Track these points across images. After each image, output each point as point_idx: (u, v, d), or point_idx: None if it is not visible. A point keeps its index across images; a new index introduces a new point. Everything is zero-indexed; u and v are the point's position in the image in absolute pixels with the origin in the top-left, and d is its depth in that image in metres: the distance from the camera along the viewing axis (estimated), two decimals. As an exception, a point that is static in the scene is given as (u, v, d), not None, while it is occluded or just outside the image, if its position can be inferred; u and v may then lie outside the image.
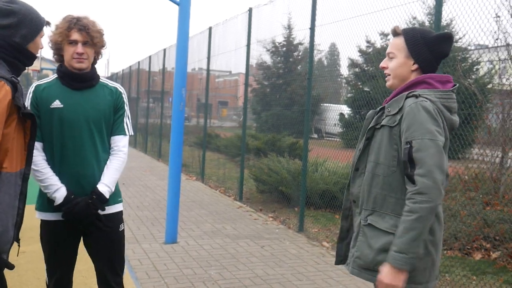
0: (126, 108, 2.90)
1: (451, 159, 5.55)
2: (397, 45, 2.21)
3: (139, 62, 18.22)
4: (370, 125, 2.21)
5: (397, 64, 2.20)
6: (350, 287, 4.58)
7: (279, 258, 5.35)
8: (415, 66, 2.17)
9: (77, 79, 2.73)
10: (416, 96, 2.07)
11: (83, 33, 2.66)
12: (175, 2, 5.70)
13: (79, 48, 2.67)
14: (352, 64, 10.97)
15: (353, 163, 2.28)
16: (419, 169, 1.98)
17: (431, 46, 2.15)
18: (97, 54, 2.79)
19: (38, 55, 2.34)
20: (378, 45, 9.87)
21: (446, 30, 9.97)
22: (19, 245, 2.44)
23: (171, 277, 4.66)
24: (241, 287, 4.46)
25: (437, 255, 2.15)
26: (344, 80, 10.31)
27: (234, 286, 4.50)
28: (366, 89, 10.53)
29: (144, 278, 4.59)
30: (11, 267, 2.19)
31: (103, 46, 2.79)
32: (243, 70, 8.86)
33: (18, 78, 2.16)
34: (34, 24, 2.24)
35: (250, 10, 8.45)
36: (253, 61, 10.32)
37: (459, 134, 7.41)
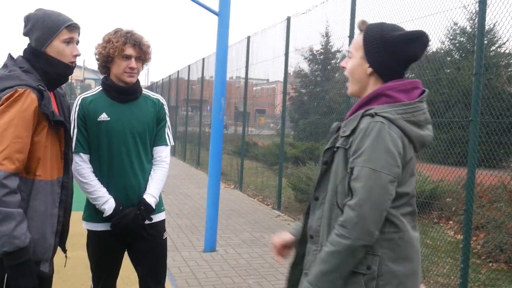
0: (167, 119, 2.95)
1: (495, 168, 5.40)
2: (356, 43, 1.90)
3: (178, 72, 18.50)
4: (327, 146, 1.90)
5: (353, 65, 1.89)
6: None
7: (318, 268, 5.30)
8: (370, 69, 1.85)
9: (123, 92, 2.79)
10: (372, 115, 1.76)
11: (137, 49, 2.71)
12: (214, 13, 5.76)
13: (133, 63, 2.71)
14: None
15: (311, 191, 1.97)
16: (351, 199, 1.72)
17: (389, 47, 1.81)
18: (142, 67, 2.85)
19: (73, 61, 2.30)
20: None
21: (488, 36, 9.70)
22: (66, 255, 2.49)
23: (210, 285, 4.68)
24: (280, 297, 4.45)
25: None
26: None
27: (273, 295, 4.49)
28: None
29: (183, 286, 4.63)
30: (47, 277, 2.23)
31: (150, 60, 2.85)
32: (281, 78, 8.86)
33: (44, 86, 2.16)
34: (47, 26, 2.21)
35: (288, 19, 8.47)
36: (290, 69, 10.32)
37: (504, 142, 7.21)
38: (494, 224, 5.87)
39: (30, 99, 2.09)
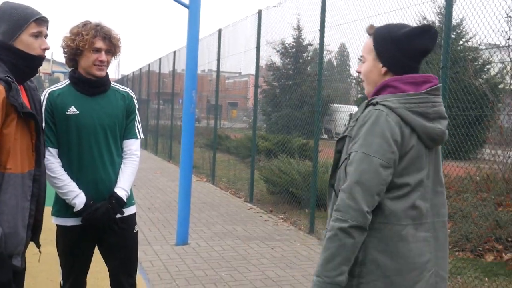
0: (137, 112, 2.94)
1: (463, 160, 5.53)
2: (367, 46, 1.95)
3: (149, 65, 18.32)
4: (340, 136, 1.96)
5: (367, 68, 1.94)
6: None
7: (290, 260, 5.35)
8: (384, 69, 1.90)
9: (92, 85, 2.75)
10: (374, 104, 1.82)
11: (107, 41, 2.68)
12: (184, 5, 5.73)
13: (103, 56, 2.68)
14: (362, 64, 10.97)
15: (329, 178, 2.01)
16: (344, 183, 1.78)
17: (399, 44, 1.85)
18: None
19: (42, 54, 2.26)
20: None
21: (456, 30, 9.87)
22: (40, 251, 2.46)
23: (182, 278, 4.68)
24: (252, 289, 4.48)
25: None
26: (354, 81, 10.30)
27: (245, 287, 4.51)
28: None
29: (155, 280, 4.62)
30: (20, 270, 2.21)
31: (120, 53, 2.82)
32: (253, 72, 8.87)
33: (12, 77, 2.13)
34: (14, 20, 2.18)
35: (259, 12, 8.46)
36: (262, 62, 10.33)
37: (470, 134, 7.37)
38: (461, 214, 6.02)
39: None
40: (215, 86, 10.99)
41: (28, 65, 2.23)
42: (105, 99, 2.79)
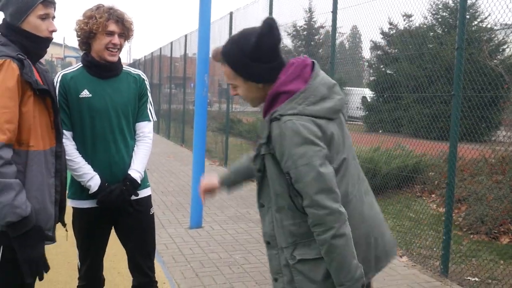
0: (149, 94, 2.94)
1: (476, 142, 5.48)
2: (229, 74, 1.92)
3: (160, 49, 18.29)
4: (254, 154, 1.96)
5: (244, 91, 1.94)
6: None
7: (303, 243, 5.36)
8: (260, 85, 1.90)
9: (105, 69, 2.76)
10: (278, 118, 1.81)
11: (120, 25, 2.69)
12: (196, -12, 5.69)
13: (116, 39, 2.68)
14: (375, 46, 10.85)
15: (257, 199, 2.05)
16: (304, 200, 1.80)
17: (256, 56, 1.84)
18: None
19: (49, 36, 2.28)
20: (401, 26, 9.73)
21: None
22: (66, 229, 2.51)
23: (196, 261, 4.72)
24: (265, 271, 4.50)
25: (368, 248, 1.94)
26: (366, 63, 10.21)
27: (259, 270, 4.55)
28: (389, 71, 10.43)
29: (170, 262, 4.67)
30: (52, 239, 2.26)
31: (133, 37, 2.82)
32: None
33: (24, 55, 2.15)
34: (22, 1, 2.18)
35: (271, -6, 8.39)
36: (274, 46, 10.26)
37: (485, 116, 7.30)
38: (476, 197, 5.98)
39: (11, 69, 2.08)
40: (226, 69, 10.93)
41: (36, 46, 2.25)
42: (118, 82, 2.80)
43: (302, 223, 1.87)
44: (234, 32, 10.31)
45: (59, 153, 2.31)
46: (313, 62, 1.90)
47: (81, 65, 2.81)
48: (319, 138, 1.81)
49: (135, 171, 2.80)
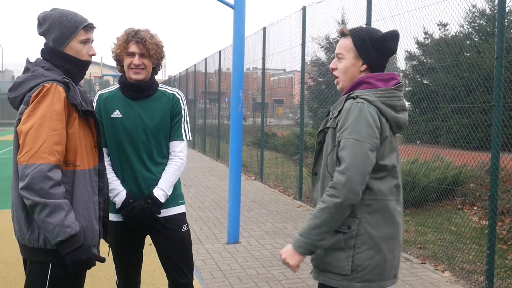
0: (184, 113, 2.98)
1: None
2: (345, 46, 2.21)
3: (195, 65, 18.54)
4: (320, 128, 2.26)
5: (347, 65, 2.21)
6: (416, 286, 4.48)
7: (341, 257, 5.29)
8: (364, 66, 2.19)
9: (136, 89, 2.86)
10: (354, 98, 2.10)
11: (140, 45, 2.79)
12: (230, 6, 5.76)
13: (136, 59, 2.79)
14: (410, 56, 10.69)
15: (312, 168, 2.32)
16: (339, 165, 2.04)
17: (378, 46, 2.17)
18: (156, 65, 2.90)
19: (90, 60, 2.38)
20: (437, 35, 9.58)
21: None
22: (109, 246, 2.57)
23: (234, 277, 4.72)
24: (304, 287, 4.46)
25: (391, 253, 2.14)
26: (401, 74, 10.07)
27: (298, 286, 4.51)
28: (425, 81, 10.25)
29: (208, 278, 4.68)
30: (102, 260, 2.32)
31: (162, 58, 2.90)
32: (298, 68, 8.83)
33: (69, 78, 2.25)
34: (65, 27, 2.27)
35: (304, 8, 8.41)
36: (307, 58, 10.25)
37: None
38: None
39: (58, 92, 2.17)
40: (260, 84, 11.00)
41: (77, 69, 2.35)
42: (150, 103, 2.88)
43: None
44: (268, 46, 10.43)
45: (102, 171, 2.40)
46: (400, 81, 2.20)
47: (118, 86, 2.93)
48: (378, 128, 2.06)
49: (159, 189, 2.86)
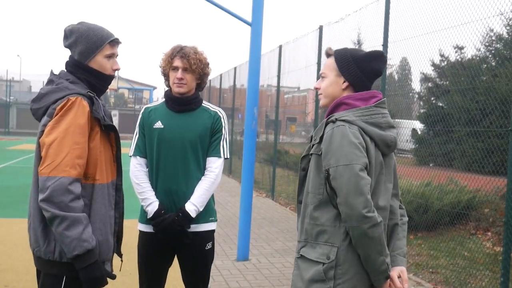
0: (224, 131, 3.01)
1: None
2: (328, 65, 2.22)
3: (210, 80, 18.65)
4: (303, 154, 2.21)
5: (328, 83, 2.20)
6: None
7: (352, 279, 5.23)
8: (346, 84, 2.16)
9: (178, 103, 2.95)
10: (334, 121, 2.07)
11: (184, 60, 2.88)
12: (247, 23, 5.80)
13: (179, 73, 2.88)
14: (425, 78, 10.66)
15: (297, 195, 2.26)
16: (338, 198, 1.99)
17: (360, 64, 2.14)
18: (200, 81, 2.97)
19: (113, 74, 2.41)
20: (453, 58, 9.55)
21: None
22: (121, 260, 2.57)
23: (243, 295, 4.68)
24: (313, 308, 4.41)
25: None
26: (416, 95, 10.03)
27: (307, 306, 4.45)
28: (440, 104, 10.20)
29: (217, 295, 4.65)
30: (112, 277, 2.32)
31: (205, 74, 2.97)
32: (312, 86, 8.83)
33: (93, 93, 2.28)
34: (91, 41, 2.29)
35: (320, 28, 8.46)
36: (322, 78, 10.27)
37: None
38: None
39: (82, 106, 2.19)
40: (274, 101, 11.03)
41: (101, 83, 2.37)
42: (192, 117, 2.95)
43: (315, 225, 2.07)
44: (283, 64, 10.46)
45: (119, 186, 2.41)
46: (381, 99, 2.16)
47: (164, 100, 3.04)
48: (363, 147, 2.01)
49: (191, 204, 2.87)
